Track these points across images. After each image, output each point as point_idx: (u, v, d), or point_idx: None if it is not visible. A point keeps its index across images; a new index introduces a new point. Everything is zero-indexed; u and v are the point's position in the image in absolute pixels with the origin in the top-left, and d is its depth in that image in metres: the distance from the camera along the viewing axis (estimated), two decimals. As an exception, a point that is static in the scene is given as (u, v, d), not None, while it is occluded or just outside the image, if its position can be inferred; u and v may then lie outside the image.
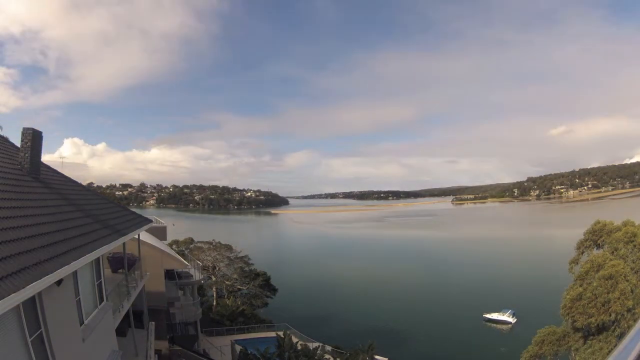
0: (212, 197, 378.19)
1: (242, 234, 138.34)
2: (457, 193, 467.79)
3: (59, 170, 14.32)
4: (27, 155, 10.89)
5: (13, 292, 4.97)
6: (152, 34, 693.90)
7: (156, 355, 17.79)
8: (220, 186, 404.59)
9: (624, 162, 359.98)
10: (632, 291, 19.98)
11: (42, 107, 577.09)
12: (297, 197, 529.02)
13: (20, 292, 5.12)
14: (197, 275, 32.41)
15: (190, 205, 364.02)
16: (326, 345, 29.24)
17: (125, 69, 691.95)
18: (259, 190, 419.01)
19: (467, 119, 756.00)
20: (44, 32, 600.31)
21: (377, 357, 29.61)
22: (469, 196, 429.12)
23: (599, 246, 24.11)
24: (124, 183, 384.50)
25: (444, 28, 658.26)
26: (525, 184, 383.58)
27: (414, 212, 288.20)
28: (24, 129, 11.07)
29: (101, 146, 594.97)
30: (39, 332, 6.84)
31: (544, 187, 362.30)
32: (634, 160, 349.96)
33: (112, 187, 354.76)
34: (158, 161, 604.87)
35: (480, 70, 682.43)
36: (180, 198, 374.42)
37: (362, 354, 26.79)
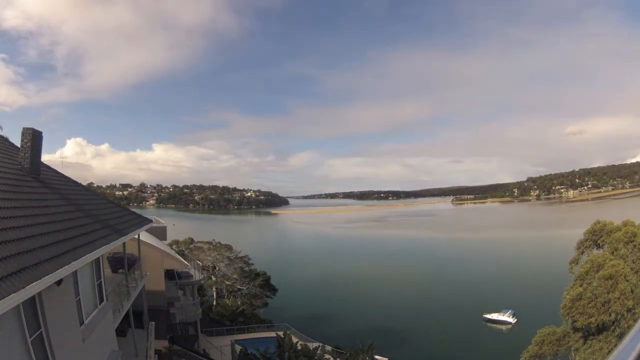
0: (212, 197, 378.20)
1: (242, 234, 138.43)
2: (457, 193, 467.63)
3: (59, 170, 14.32)
4: (27, 155, 10.89)
5: (13, 292, 4.97)
6: (159, 29, 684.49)
7: (156, 355, 17.79)
8: (220, 186, 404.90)
9: (624, 162, 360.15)
10: (632, 291, 19.98)
11: (46, 105, 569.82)
12: (297, 197, 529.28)
13: (20, 292, 5.12)
14: (197, 275, 32.42)
15: (190, 205, 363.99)
16: (326, 345, 29.23)
17: (132, 66, 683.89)
18: (259, 190, 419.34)
19: (475, 118, 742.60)
20: (53, 26, 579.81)
21: (377, 357, 29.62)
22: (469, 196, 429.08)
23: (599, 246, 24.11)
24: (124, 183, 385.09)
25: (468, 25, 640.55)
26: (525, 184, 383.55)
27: (413, 212, 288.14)
28: (23, 129, 11.07)
29: (105, 146, 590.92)
30: (39, 332, 6.84)
31: (544, 187, 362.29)
32: (634, 160, 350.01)
33: (112, 187, 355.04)
34: (162, 161, 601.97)
35: (494, 70, 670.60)
36: (180, 198, 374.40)
37: (362, 354, 26.80)
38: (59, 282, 6.91)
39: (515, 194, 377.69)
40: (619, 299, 19.54)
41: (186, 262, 30.21)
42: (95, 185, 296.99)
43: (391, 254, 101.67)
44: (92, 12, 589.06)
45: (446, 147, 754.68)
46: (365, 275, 75.08)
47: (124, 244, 14.19)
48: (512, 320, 46.10)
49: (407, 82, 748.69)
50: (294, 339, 27.18)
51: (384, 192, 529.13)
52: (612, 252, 22.20)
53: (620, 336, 19.52)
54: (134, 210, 18.13)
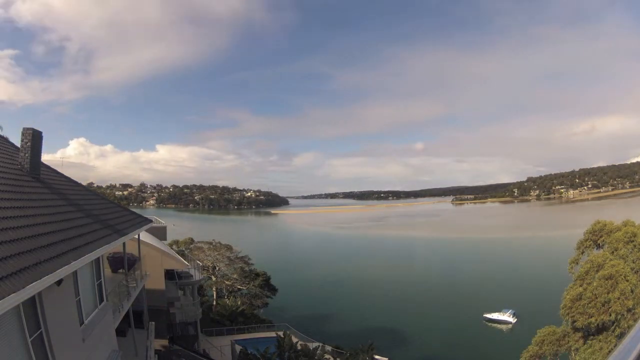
0: (212, 197, 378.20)
1: (241, 234, 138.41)
2: (457, 193, 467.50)
3: (60, 170, 14.32)
4: (27, 155, 10.89)
5: (13, 292, 4.97)
6: (168, 24, 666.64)
7: (156, 356, 17.79)
8: (220, 186, 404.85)
9: (624, 162, 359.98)
10: (632, 291, 19.98)
11: (51, 104, 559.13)
12: (297, 197, 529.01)
13: (20, 292, 5.12)
14: (197, 275, 32.40)
15: (190, 205, 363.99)
16: (326, 345, 29.22)
17: (140, 63, 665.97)
18: (259, 190, 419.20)
19: (481, 118, 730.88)
20: (66, 21, 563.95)
21: (377, 357, 29.60)
22: (468, 196, 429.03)
23: (599, 246, 24.11)
24: (124, 183, 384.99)
25: (490, 22, 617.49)
26: (525, 184, 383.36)
27: (413, 212, 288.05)
28: (23, 129, 11.07)
29: (109, 147, 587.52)
30: (39, 332, 6.84)
31: (544, 187, 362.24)
32: (634, 160, 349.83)
33: (112, 187, 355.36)
34: (165, 161, 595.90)
35: (506, 68, 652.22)
36: (180, 198, 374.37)
37: (362, 354, 26.78)
38: (59, 282, 6.91)
39: (515, 194, 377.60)
40: (619, 299, 19.54)
41: (186, 262, 30.20)
42: (95, 185, 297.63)
43: (391, 254, 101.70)
44: (108, 5, 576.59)
45: (450, 147, 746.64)
46: (366, 275, 75.08)
47: (124, 244, 14.21)
48: (512, 319, 46.12)
49: (419, 81, 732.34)
50: (294, 339, 27.17)
51: (384, 192, 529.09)
52: (612, 252, 22.21)
53: (620, 336, 19.52)
54: (134, 210, 18.13)
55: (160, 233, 30.70)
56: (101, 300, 11.55)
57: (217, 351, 30.37)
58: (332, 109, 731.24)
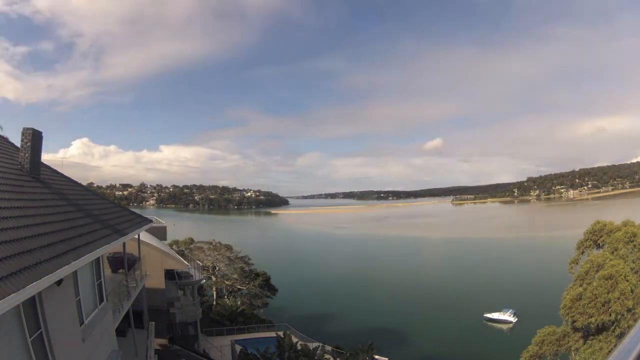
0: (212, 197, 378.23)
1: (241, 234, 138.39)
2: (457, 193, 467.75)
3: (59, 170, 14.32)
4: (27, 155, 10.89)
5: (13, 292, 4.97)
6: (176, 19, 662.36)
7: (156, 356, 17.79)
8: (220, 186, 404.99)
9: (623, 162, 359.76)
10: (632, 291, 19.97)
11: (54, 103, 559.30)
12: (297, 197, 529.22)
13: (20, 292, 5.12)
14: (197, 275, 32.41)
15: (190, 205, 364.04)
16: (326, 345, 29.22)
17: (148, 61, 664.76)
18: (259, 191, 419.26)
19: (489, 117, 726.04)
20: (78, 15, 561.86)
21: (377, 357, 29.59)
22: (468, 196, 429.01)
23: (599, 246, 24.11)
24: (124, 183, 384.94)
25: (510, 21, 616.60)
26: (525, 184, 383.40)
27: (413, 212, 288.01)
28: (23, 128, 11.06)
29: (112, 147, 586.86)
30: (39, 332, 6.84)
31: (544, 187, 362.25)
32: (634, 160, 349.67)
33: (112, 187, 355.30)
34: (169, 161, 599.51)
35: (519, 68, 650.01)
36: (180, 198, 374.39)
37: (362, 354, 26.77)
38: (59, 282, 6.91)
39: (515, 194, 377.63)
40: (619, 299, 19.53)
41: (186, 262, 30.21)
42: (95, 185, 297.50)
43: (391, 254, 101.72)
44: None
45: (456, 146, 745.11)
46: (366, 275, 75.08)
47: (124, 244, 14.20)
48: (513, 319, 46.12)
49: (431, 80, 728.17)
50: (294, 339, 27.16)
51: (384, 192, 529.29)
52: (612, 252, 22.20)
53: (620, 336, 19.52)
54: (134, 210, 18.13)
55: (160, 233, 30.70)
56: (101, 300, 11.55)
57: (217, 351, 30.36)
58: (341, 108, 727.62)
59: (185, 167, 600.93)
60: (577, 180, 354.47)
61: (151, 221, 16.52)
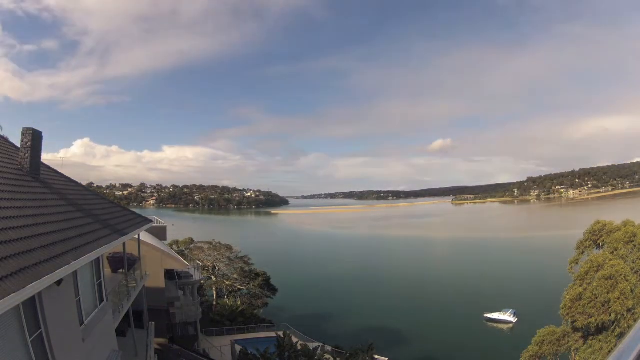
0: (212, 197, 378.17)
1: (241, 234, 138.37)
2: (457, 193, 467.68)
3: (59, 170, 14.32)
4: (27, 155, 10.88)
5: (13, 292, 4.97)
6: (189, 17, 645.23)
7: (156, 356, 17.79)
8: (220, 186, 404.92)
9: (623, 163, 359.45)
10: (632, 291, 19.99)
11: (58, 102, 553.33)
12: (297, 197, 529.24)
13: (20, 292, 5.12)
14: (197, 275, 32.42)
15: (190, 205, 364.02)
16: (326, 345, 29.23)
17: (153, 59, 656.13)
18: (259, 191, 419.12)
19: (496, 117, 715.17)
20: (85, 13, 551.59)
21: (377, 357, 29.59)
22: (468, 196, 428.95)
23: (599, 246, 24.13)
24: (124, 183, 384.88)
25: (529, 19, 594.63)
26: (525, 184, 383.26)
27: (413, 212, 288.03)
28: (23, 129, 11.06)
29: (114, 147, 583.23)
30: (39, 332, 6.84)
31: (544, 187, 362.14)
32: (635, 160, 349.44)
33: (112, 187, 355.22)
34: (171, 161, 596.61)
35: (535, 69, 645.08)
36: (180, 198, 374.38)
37: (362, 354, 26.76)
38: (59, 282, 6.91)
39: (515, 194, 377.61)
40: (619, 299, 19.55)
41: (186, 262, 30.22)
42: (95, 185, 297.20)
43: (391, 254, 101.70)
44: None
45: (459, 147, 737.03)
46: (365, 275, 75.09)
47: (124, 244, 14.20)
48: (513, 319, 46.13)
49: (439, 79, 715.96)
50: (294, 339, 27.15)
51: (384, 192, 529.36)
52: (612, 252, 22.21)
53: (620, 336, 19.52)
54: (134, 210, 18.13)
55: (160, 233, 30.72)
56: (101, 300, 11.54)
57: (217, 351, 30.37)
58: (346, 108, 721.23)
59: (187, 167, 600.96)
60: (577, 180, 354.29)
61: (151, 221, 16.51)
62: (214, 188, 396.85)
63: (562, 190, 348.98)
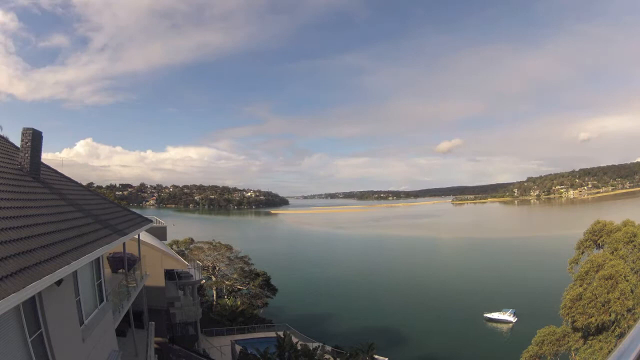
0: (212, 197, 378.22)
1: (241, 234, 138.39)
2: (457, 193, 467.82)
3: (59, 169, 14.32)
4: (27, 155, 10.88)
5: (13, 292, 4.97)
6: (213, 10, 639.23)
7: (156, 356, 17.79)
8: (220, 186, 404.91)
9: (623, 163, 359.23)
10: (632, 291, 19.99)
11: (60, 101, 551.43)
12: (297, 197, 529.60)
13: (20, 292, 5.12)
14: (197, 275, 32.41)
15: (190, 205, 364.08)
16: (326, 345, 29.24)
17: (160, 55, 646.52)
18: (259, 191, 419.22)
19: (504, 117, 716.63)
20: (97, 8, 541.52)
21: (377, 357, 29.60)
22: (468, 196, 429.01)
23: (599, 246, 24.14)
24: (124, 183, 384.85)
25: (545, 20, 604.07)
26: (525, 184, 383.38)
27: (413, 213, 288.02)
28: (23, 129, 11.06)
29: (118, 148, 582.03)
30: (39, 332, 6.84)
31: (544, 187, 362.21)
32: (635, 160, 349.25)
33: (112, 187, 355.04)
34: (175, 161, 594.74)
35: (544, 68, 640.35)
36: (180, 198, 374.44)
37: (362, 354, 26.79)
38: (59, 282, 6.91)
39: (516, 194, 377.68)
40: (618, 299, 19.55)
41: (186, 262, 30.22)
42: (95, 185, 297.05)
43: (390, 254, 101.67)
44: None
45: (463, 147, 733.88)
46: (365, 275, 75.05)
47: (124, 244, 14.19)
48: (512, 319, 46.13)
49: (450, 79, 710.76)
50: (294, 339, 27.17)
51: (384, 192, 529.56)
52: (612, 252, 22.21)
53: (620, 336, 19.52)
54: (134, 210, 18.13)
55: (160, 233, 30.70)
56: (101, 300, 11.54)
57: (217, 351, 30.38)
58: (356, 107, 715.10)
59: (190, 167, 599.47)
60: (577, 180, 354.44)
61: (151, 221, 16.51)
62: (213, 188, 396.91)
63: (562, 190, 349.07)
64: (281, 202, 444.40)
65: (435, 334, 44.23)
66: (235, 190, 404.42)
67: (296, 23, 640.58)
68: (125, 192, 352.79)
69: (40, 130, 11.53)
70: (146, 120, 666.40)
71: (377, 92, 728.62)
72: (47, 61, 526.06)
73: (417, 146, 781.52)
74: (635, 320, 19.02)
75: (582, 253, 24.67)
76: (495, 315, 47.32)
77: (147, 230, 20.47)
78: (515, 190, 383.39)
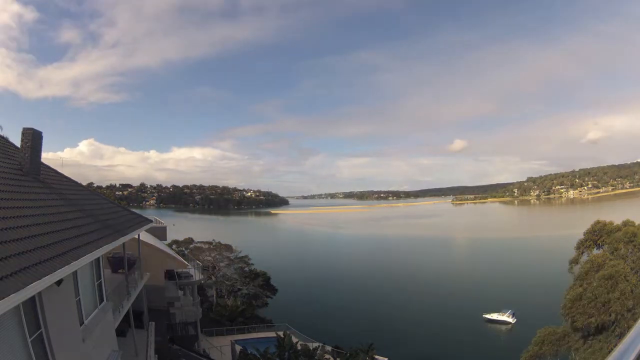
0: (212, 197, 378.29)
1: (241, 234, 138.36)
2: (457, 193, 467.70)
3: (60, 169, 14.32)
4: (27, 155, 10.89)
5: (13, 292, 4.97)
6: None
7: (156, 356, 17.79)
8: (221, 186, 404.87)
9: (623, 163, 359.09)
10: (632, 291, 19.96)
11: (62, 100, 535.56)
12: (297, 197, 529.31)
13: (20, 292, 5.12)
14: (197, 275, 32.40)
15: (190, 205, 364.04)
16: (326, 345, 29.23)
17: (167, 53, 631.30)
18: (259, 191, 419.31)
19: (511, 117, 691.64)
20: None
21: (377, 357, 29.58)
22: (468, 196, 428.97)
23: (599, 246, 24.11)
24: (124, 183, 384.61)
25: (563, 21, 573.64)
26: (525, 184, 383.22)
27: (413, 213, 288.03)
28: (23, 129, 11.07)
29: (122, 149, 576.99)
30: (39, 332, 6.85)
31: (544, 187, 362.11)
32: (634, 160, 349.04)
33: (112, 187, 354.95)
34: (178, 162, 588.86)
35: (556, 66, 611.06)
36: (180, 198, 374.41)
37: (362, 354, 26.76)
38: (59, 282, 6.91)
39: (515, 194, 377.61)
40: (619, 299, 19.53)
41: (186, 262, 30.23)
42: (95, 185, 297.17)
43: (390, 254, 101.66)
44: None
45: (469, 147, 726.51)
46: (365, 275, 75.05)
47: (123, 244, 14.20)
48: (512, 320, 46.11)
49: (461, 78, 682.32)
50: (294, 339, 27.14)
51: (384, 192, 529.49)
52: (612, 252, 22.21)
53: (620, 336, 19.51)
54: (133, 210, 18.13)
55: (160, 233, 30.71)
56: (101, 300, 11.55)
57: (217, 351, 30.37)
58: (366, 106, 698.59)
59: (193, 166, 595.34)
60: (577, 180, 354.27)
61: (151, 221, 16.53)
62: (213, 188, 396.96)
63: (562, 190, 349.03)
64: (281, 202, 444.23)
65: (435, 334, 44.23)
66: (235, 190, 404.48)
67: (318, 19, 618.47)
68: (125, 192, 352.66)
69: (40, 130, 11.55)
70: (152, 121, 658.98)
71: (389, 91, 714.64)
72: (56, 57, 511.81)
73: (423, 146, 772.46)
74: (635, 320, 18.98)
75: (582, 253, 24.64)
76: (494, 315, 47.31)
77: (147, 230, 20.48)
78: (515, 190, 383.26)
